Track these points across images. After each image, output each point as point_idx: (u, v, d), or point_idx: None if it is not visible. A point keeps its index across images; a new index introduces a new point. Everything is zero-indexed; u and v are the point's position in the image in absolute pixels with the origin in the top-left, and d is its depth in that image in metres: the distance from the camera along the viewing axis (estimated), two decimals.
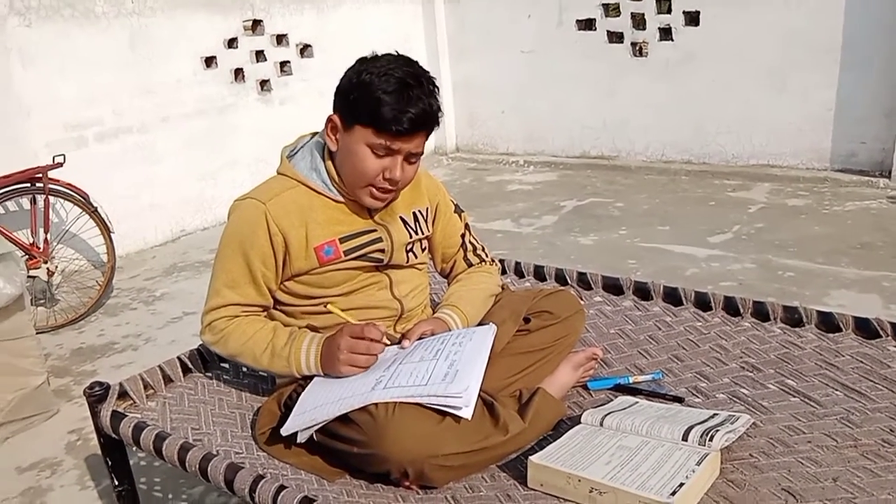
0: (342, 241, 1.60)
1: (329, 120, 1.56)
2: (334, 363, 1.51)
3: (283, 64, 5.52)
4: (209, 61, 5.04)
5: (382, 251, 1.64)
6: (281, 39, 5.48)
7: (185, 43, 4.87)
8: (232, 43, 5.15)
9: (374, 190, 1.57)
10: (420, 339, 1.59)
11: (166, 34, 4.75)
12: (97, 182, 4.05)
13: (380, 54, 1.55)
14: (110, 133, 4.53)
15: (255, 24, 5.31)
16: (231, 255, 1.59)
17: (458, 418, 1.37)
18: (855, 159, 4.93)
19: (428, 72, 1.54)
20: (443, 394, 1.37)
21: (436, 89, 1.53)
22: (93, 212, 3.65)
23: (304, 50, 5.66)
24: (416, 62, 1.55)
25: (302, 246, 1.57)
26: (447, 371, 1.43)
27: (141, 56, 4.64)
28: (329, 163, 1.60)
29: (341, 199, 1.62)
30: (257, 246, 1.56)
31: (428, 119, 1.51)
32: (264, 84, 5.41)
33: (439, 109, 1.53)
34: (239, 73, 5.23)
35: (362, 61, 1.54)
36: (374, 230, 1.64)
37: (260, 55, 5.35)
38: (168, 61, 4.78)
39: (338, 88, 1.56)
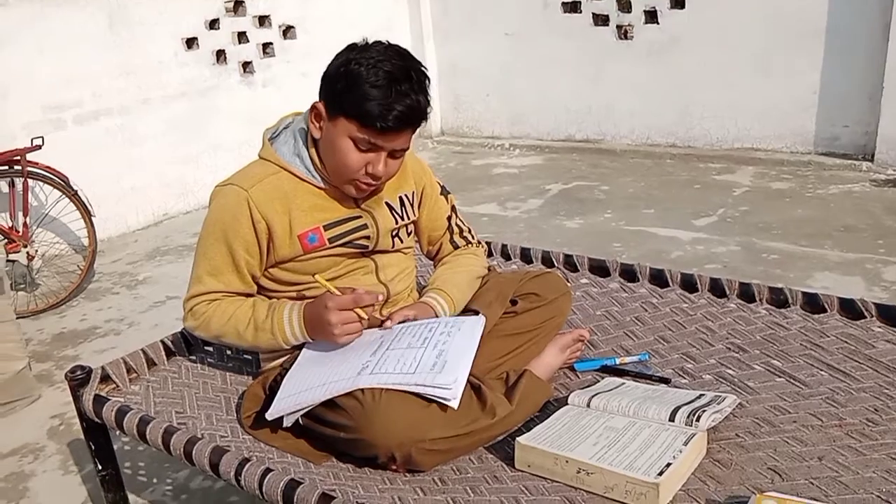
0: (326, 228, 1.57)
1: (313, 107, 1.52)
2: (324, 331, 1.49)
3: (266, 45, 5.45)
4: (190, 42, 4.96)
5: (368, 238, 1.62)
6: (263, 20, 5.41)
7: (166, 24, 4.79)
8: (213, 24, 5.08)
9: (357, 183, 1.53)
10: (403, 322, 1.58)
11: (146, 14, 4.67)
12: (77, 165, 3.98)
13: (371, 42, 1.50)
14: (90, 115, 4.46)
15: (237, 5, 5.23)
16: (213, 244, 1.55)
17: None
18: (838, 143, 4.96)
19: (420, 65, 1.49)
20: (431, 384, 1.37)
21: (426, 83, 1.48)
22: (73, 195, 3.59)
23: (287, 31, 5.59)
24: (408, 54, 1.50)
25: (286, 233, 1.54)
26: (435, 361, 1.42)
27: (120, 37, 4.56)
28: (312, 149, 1.57)
29: (325, 185, 1.58)
30: (240, 234, 1.53)
31: (415, 116, 1.46)
32: (247, 66, 5.34)
33: (428, 105, 1.48)
34: (221, 55, 5.16)
35: (351, 49, 1.49)
36: (360, 216, 1.61)
37: (242, 36, 5.28)
38: (148, 42, 4.70)
39: (324, 75, 1.51)
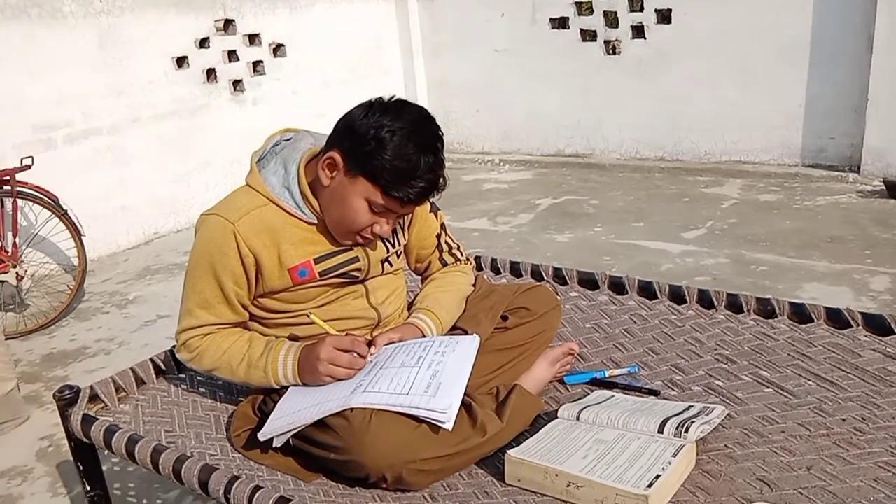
0: (317, 261, 1.55)
1: (330, 156, 1.46)
2: (313, 373, 1.49)
3: (256, 64, 5.48)
4: (181, 61, 4.98)
5: (359, 270, 1.60)
6: (253, 39, 5.44)
7: (156, 43, 4.81)
8: (204, 43, 5.10)
9: (358, 237, 1.53)
10: (388, 344, 1.58)
11: (136, 34, 4.69)
12: (67, 184, 3.99)
13: (401, 104, 1.47)
14: (80, 135, 4.47)
15: (227, 24, 5.26)
16: (202, 276, 1.54)
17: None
18: (825, 155, 5.01)
19: (441, 135, 1.49)
20: (425, 407, 1.36)
21: (443, 153, 1.49)
22: (63, 215, 3.59)
23: (278, 49, 5.62)
24: (434, 122, 1.49)
25: (275, 266, 1.52)
26: (430, 382, 1.42)
27: (111, 56, 4.57)
28: (304, 182, 1.53)
29: (314, 220, 1.55)
30: (228, 267, 1.51)
31: (435, 190, 1.48)
32: (237, 84, 5.36)
33: (446, 179, 1.50)
34: (211, 74, 5.18)
35: (384, 110, 1.44)
36: (350, 249, 1.59)
37: (232, 55, 5.31)
38: (138, 61, 4.72)
39: (349, 129, 1.45)
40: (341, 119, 1.50)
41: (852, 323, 1.78)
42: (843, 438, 1.40)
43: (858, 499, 1.23)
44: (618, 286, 2.14)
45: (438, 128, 1.49)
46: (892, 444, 1.36)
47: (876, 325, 1.75)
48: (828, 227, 4.01)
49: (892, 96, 4.51)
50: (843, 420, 1.46)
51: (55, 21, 4.29)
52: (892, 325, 1.73)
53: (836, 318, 1.80)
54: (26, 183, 3.54)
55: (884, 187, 4.46)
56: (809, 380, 1.62)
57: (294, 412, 1.44)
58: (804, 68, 4.90)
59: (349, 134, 1.45)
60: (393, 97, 1.49)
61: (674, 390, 1.66)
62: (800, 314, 1.85)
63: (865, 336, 1.74)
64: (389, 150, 1.40)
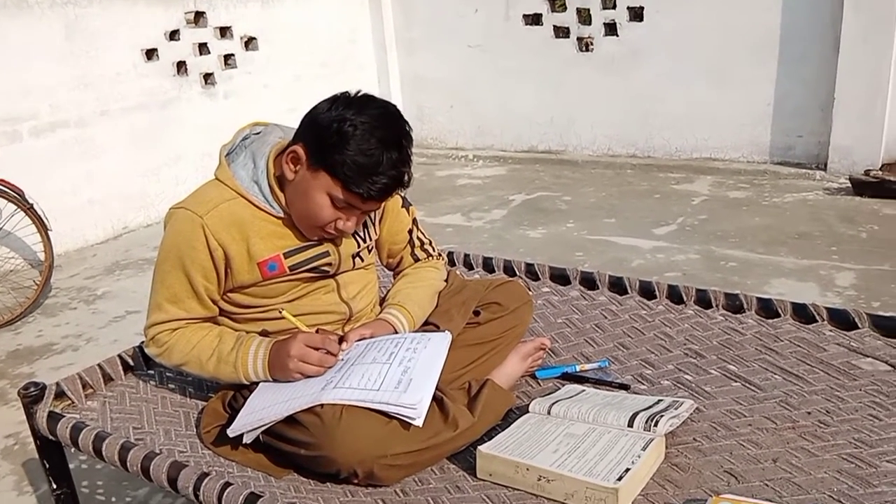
0: (287, 255, 1.54)
1: (293, 150, 1.45)
2: (283, 369, 1.48)
3: (228, 57, 5.41)
4: (150, 54, 4.91)
5: (329, 264, 1.59)
6: (225, 32, 5.38)
7: (125, 35, 4.73)
8: (174, 35, 5.03)
9: (322, 232, 1.52)
10: (360, 340, 1.57)
11: (104, 25, 4.61)
12: (33, 178, 3.92)
13: (364, 96, 1.46)
14: (46, 127, 4.38)
15: (198, 16, 5.19)
16: (171, 270, 1.52)
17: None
18: (792, 152, 5.08)
19: (408, 129, 1.47)
20: (396, 402, 1.36)
21: (411, 149, 1.47)
22: (28, 209, 3.52)
23: (249, 43, 5.56)
24: (400, 117, 1.47)
25: (244, 260, 1.51)
26: (400, 378, 1.42)
27: (78, 48, 4.49)
28: (273, 179, 1.52)
29: (283, 215, 1.54)
30: (197, 261, 1.49)
31: (398, 187, 1.46)
32: (208, 77, 5.30)
33: (411, 174, 1.48)
34: (182, 66, 5.11)
35: (347, 104, 1.43)
36: (321, 244, 1.58)
37: (203, 48, 5.24)
38: (107, 53, 4.64)
39: (312, 122, 1.45)
40: (307, 113, 1.49)
41: (818, 318, 1.81)
42: (808, 431, 1.43)
43: (823, 490, 1.26)
44: (589, 281, 2.16)
45: (406, 123, 1.47)
46: (855, 436, 1.39)
47: (841, 319, 1.79)
48: (795, 223, 4.08)
49: (858, 96, 4.59)
50: (809, 413, 1.49)
51: (20, 11, 4.20)
52: (857, 320, 1.76)
53: (802, 314, 1.84)
54: None
55: (850, 185, 4.55)
56: (776, 374, 1.64)
57: (264, 408, 1.43)
58: (773, 67, 4.97)
59: (312, 127, 1.45)
60: (359, 92, 1.47)
61: (644, 384, 1.68)
62: (767, 309, 1.88)
63: (830, 331, 1.77)
64: (351, 144, 1.39)
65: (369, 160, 1.40)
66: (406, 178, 1.47)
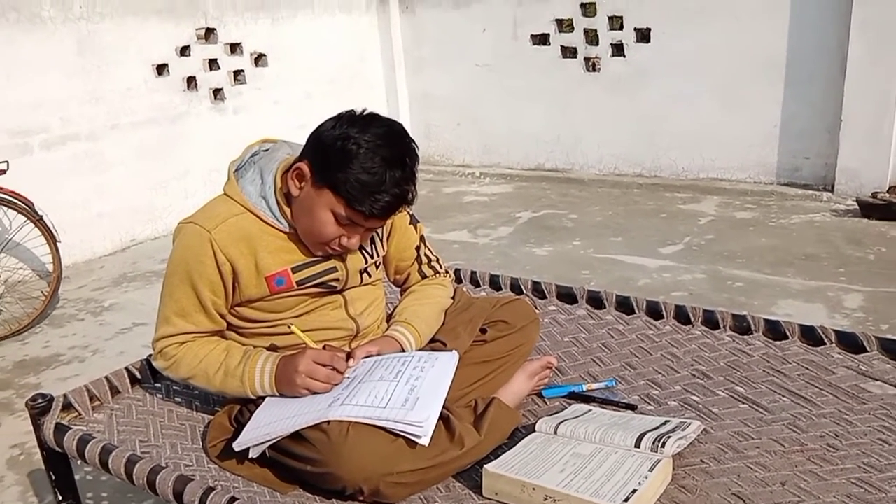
0: (295, 270, 1.55)
1: (297, 167, 1.46)
2: (290, 384, 1.48)
3: (237, 73, 5.46)
4: (161, 69, 4.96)
5: (337, 280, 1.60)
6: (235, 48, 5.43)
7: (136, 50, 4.78)
8: (184, 51, 5.08)
9: (326, 248, 1.53)
10: (367, 357, 1.57)
11: (116, 41, 4.66)
12: (43, 190, 3.94)
13: (369, 115, 1.47)
14: (57, 140, 4.42)
15: (209, 33, 5.24)
16: (179, 284, 1.53)
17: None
18: (799, 174, 5.09)
19: (413, 147, 1.47)
20: (402, 420, 1.37)
21: (416, 168, 1.47)
22: (38, 220, 3.54)
23: (259, 59, 5.61)
24: (405, 135, 1.48)
25: (252, 275, 1.52)
26: (407, 396, 1.42)
27: (90, 63, 4.54)
28: (280, 195, 1.53)
29: (290, 230, 1.55)
30: (205, 276, 1.50)
31: (401, 205, 1.46)
32: (217, 93, 5.34)
33: (415, 192, 1.48)
34: (191, 82, 5.16)
35: (352, 122, 1.44)
36: (328, 259, 1.58)
37: (213, 63, 5.29)
38: (118, 68, 4.69)
39: (317, 140, 1.46)
40: (313, 131, 1.50)
41: (826, 340, 1.81)
42: (817, 454, 1.42)
43: None
44: (596, 300, 2.16)
45: (411, 142, 1.48)
46: (864, 460, 1.39)
47: (849, 342, 1.78)
48: (802, 244, 4.07)
49: (865, 118, 4.60)
50: (817, 436, 1.48)
51: (34, 26, 4.25)
52: (865, 343, 1.76)
53: (810, 336, 1.83)
54: (1, 188, 3.49)
55: (857, 206, 4.54)
56: (784, 396, 1.64)
57: (270, 423, 1.43)
58: (780, 89, 4.98)
59: (317, 145, 1.46)
60: (364, 110, 1.48)
61: (650, 405, 1.68)
62: (774, 331, 1.88)
63: (839, 353, 1.77)
64: (355, 162, 1.40)
65: (372, 178, 1.40)
66: (409, 196, 1.47)
